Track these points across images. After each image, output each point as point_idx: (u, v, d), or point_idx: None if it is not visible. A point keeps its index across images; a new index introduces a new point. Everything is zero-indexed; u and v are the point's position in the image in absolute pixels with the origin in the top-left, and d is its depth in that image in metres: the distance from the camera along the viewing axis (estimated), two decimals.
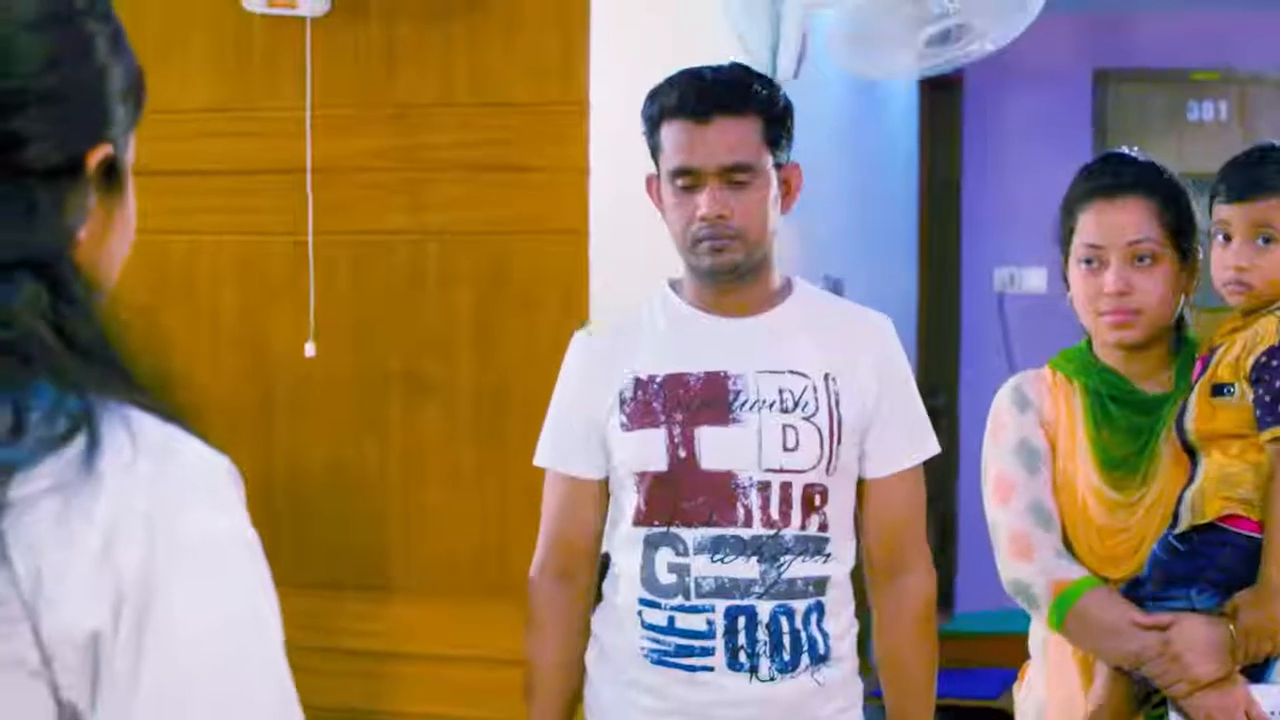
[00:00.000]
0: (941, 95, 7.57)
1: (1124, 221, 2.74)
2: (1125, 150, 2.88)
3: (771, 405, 2.81)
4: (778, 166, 2.84)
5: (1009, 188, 7.63)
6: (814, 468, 2.80)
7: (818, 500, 2.81)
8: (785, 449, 2.79)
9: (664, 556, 2.81)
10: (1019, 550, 2.77)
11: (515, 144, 3.64)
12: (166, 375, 1.23)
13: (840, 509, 2.85)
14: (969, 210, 7.83)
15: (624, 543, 2.87)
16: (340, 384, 3.76)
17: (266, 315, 3.80)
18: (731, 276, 2.83)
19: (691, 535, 2.79)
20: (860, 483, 2.89)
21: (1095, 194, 2.78)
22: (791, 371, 2.83)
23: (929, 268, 7.55)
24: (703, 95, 2.79)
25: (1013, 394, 2.87)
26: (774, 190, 2.83)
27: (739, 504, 2.78)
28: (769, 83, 2.88)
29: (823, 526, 2.81)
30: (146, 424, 1.20)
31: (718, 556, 2.77)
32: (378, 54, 3.72)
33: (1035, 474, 2.80)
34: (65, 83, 1.25)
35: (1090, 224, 2.76)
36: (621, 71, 3.63)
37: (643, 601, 2.83)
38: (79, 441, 1.15)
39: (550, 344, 3.20)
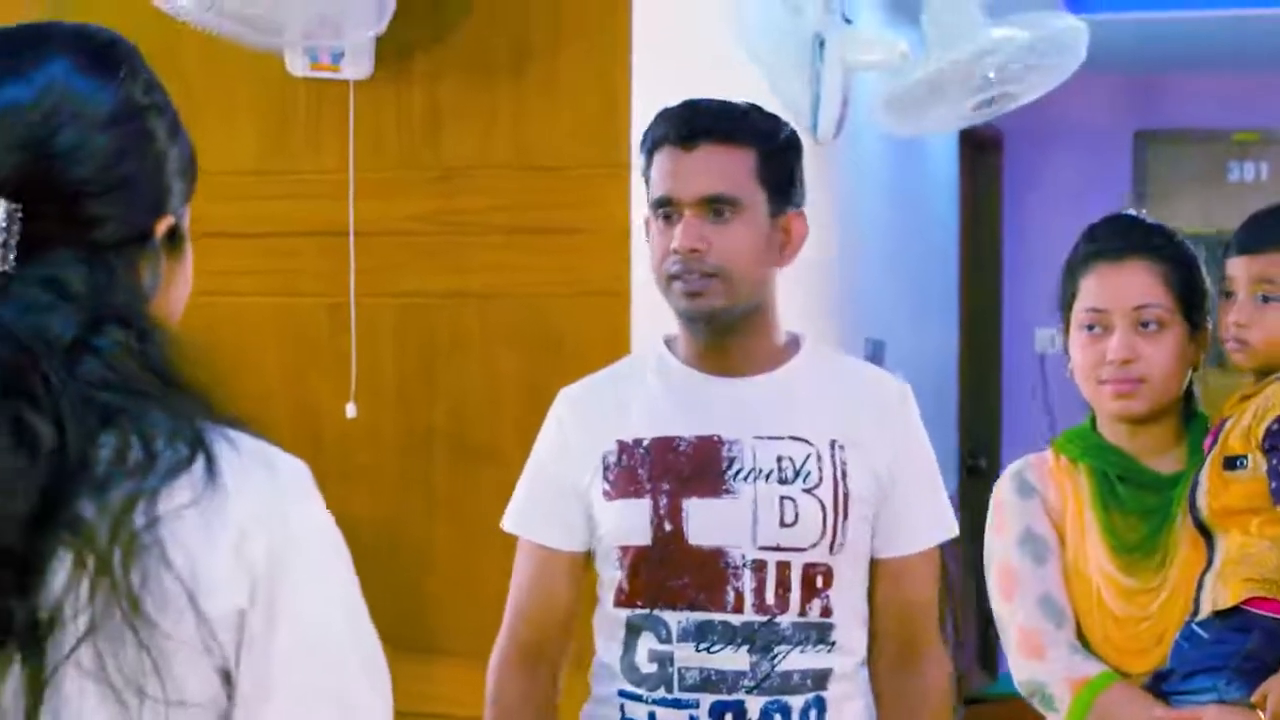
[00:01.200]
0: (982, 155, 7.56)
1: (1128, 285, 2.60)
2: (1131, 212, 2.77)
3: (769, 475, 2.51)
4: (777, 214, 2.56)
5: (1049, 248, 7.57)
6: (815, 545, 2.51)
7: (820, 582, 2.52)
8: (783, 524, 2.50)
9: (645, 643, 2.53)
10: (1031, 649, 2.61)
11: (557, 206, 3.64)
12: (232, 400, 1.47)
13: (848, 592, 2.56)
14: (1009, 270, 7.81)
15: (605, 626, 2.61)
16: (382, 445, 3.76)
17: (307, 377, 3.80)
18: (715, 326, 2.55)
19: (675, 619, 2.50)
20: (872, 563, 2.60)
21: (1098, 256, 2.64)
22: (793, 438, 2.54)
23: (970, 328, 7.51)
24: (691, 120, 2.54)
25: (1014, 481, 2.71)
26: (765, 232, 2.54)
27: (729, 586, 2.49)
28: (772, 118, 2.61)
29: (825, 611, 2.52)
30: (242, 438, 1.44)
31: (703, 645, 2.49)
32: (420, 117, 3.73)
33: (1042, 564, 2.64)
34: (133, 171, 1.46)
35: (1093, 287, 2.63)
36: None
37: (623, 694, 2.56)
38: (200, 459, 1.39)
39: None
